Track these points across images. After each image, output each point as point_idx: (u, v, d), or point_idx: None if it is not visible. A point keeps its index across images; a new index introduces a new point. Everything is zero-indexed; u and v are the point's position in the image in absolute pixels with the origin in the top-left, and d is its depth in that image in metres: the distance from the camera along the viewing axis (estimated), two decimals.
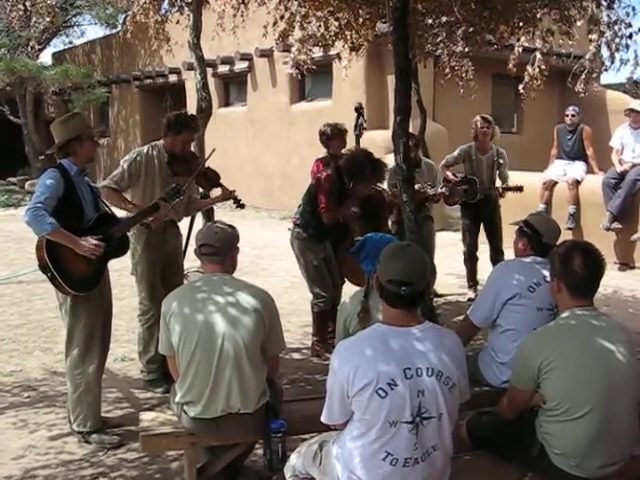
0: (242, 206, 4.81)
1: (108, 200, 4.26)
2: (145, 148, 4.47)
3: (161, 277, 4.54)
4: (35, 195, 3.59)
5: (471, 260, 6.80)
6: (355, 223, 5.34)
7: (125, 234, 4.04)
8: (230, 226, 3.22)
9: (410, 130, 4.57)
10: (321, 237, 5.10)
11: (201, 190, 4.92)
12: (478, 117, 6.69)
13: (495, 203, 6.63)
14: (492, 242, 6.67)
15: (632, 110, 8.18)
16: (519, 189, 6.45)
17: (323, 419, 2.48)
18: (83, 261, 3.68)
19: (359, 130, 5.55)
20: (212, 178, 4.73)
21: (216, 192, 4.91)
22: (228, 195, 4.74)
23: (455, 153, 6.76)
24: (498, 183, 6.69)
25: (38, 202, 3.52)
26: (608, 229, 7.88)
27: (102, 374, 4.00)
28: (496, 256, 6.56)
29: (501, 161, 6.60)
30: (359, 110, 5.54)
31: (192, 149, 4.98)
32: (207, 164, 4.72)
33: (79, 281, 3.70)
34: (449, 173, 6.66)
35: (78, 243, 3.62)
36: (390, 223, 6.24)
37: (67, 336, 3.85)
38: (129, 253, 4.41)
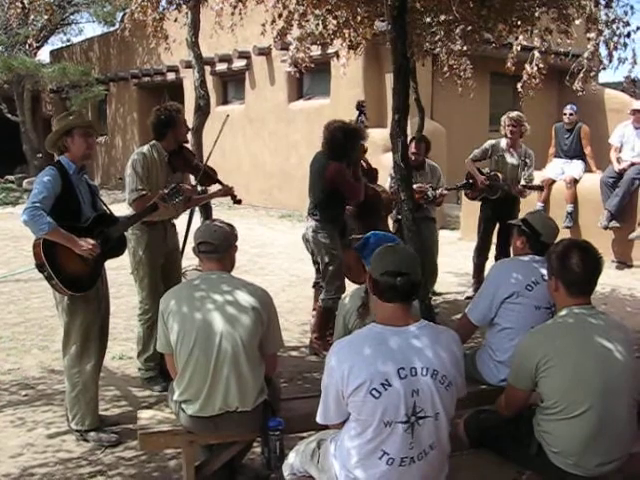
0: (239, 202, 4.83)
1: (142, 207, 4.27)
2: (145, 148, 4.46)
3: (161, 276, 4.55)
4: (32, 194, 3.58)
5: (478, 256, 6.75)
6: (353, 221, 5.36)
7: (123, 234, 4.04)
8: (228, 224, 3.22)
9: (408, 129, 4.57)
10: (334, 228, 5.09)
11: (200, 188, 4.93)
12: (505, 115, 6.61)
13: (515, 205, 6.49)
14: (501, 243, 6.53)
15: (637, 111, 8.15)
16: (540, 188, 6.44)
17: (318, 419, 2.48)
18: (80, 261, 3.67)
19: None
20: (211, 175, 4.75)
21: (213, 188, 4.93)
22: (227, 190, 4.76)
23: (482, 147, 6.70)
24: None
25: (35, 201, 3.52)
26: (606, 228, 7.89)
27: (99, 372, 4.00)
28: (500, 258, 6.51)
29: (528, 161, 6.48)
30: (360, 107, 5.54)
31: (190, 147, 4.99)
32: (204, 161, 4.73)
33: (76, 281, 3.69)
34: (473, 168, 6.60)
35: (76, 242, 3.62)
36: (391, 222, 6.24)
37: (64, 335, 3.85)
38: (129, 253, 4.42)
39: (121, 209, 4.51)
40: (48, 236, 3.56)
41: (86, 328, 3.80)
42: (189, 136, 5.02)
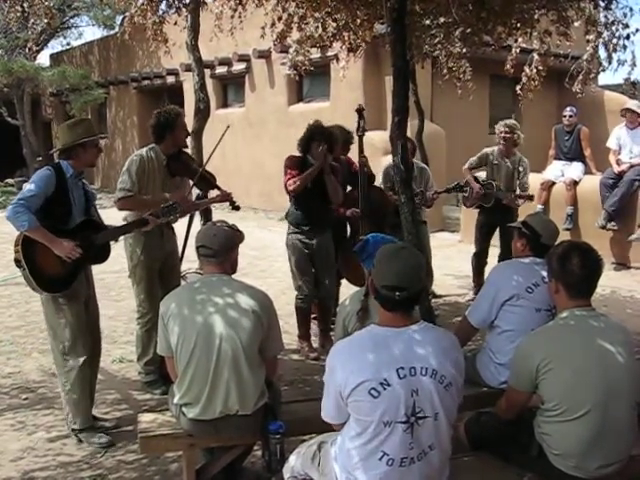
0: (237, 208, 4.84)
1: (128, 208, 4.31)
2: (144, 151, 4.46)
3: (159, 279, 4.55)
4: (22, 192, 3.65)
5: (477, 261, 6.75)
6: (359, 222, 5.37)
7: (107, 243, 4.02)
8: (231, 227, 3.22)
9: (408, 131, 4.57)
10: (305, 228, 5.12)
11: (197, 192, 4.93)
12: (500, 122, 6.62)
13: (512, 210, 6.47)
14: (503, 249, 6.48)
15: (628, 110, 8.18)
16: (530, 198, 6.44)
17: (322, 414, 2.49)
18: (57, 262, 3.70)
19: (362, 131, 5.59)
20: (209, 180, 4.75)
21: (212, 194, 4.93)
22: (225, 196, 4.77)
23: (478, 155, 6.73)
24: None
25: (21, 198, 3.59)
26: (603, 227, 7.89)
27: (91, 374, 3.99)
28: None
29: (520, 169, 6.47)
30: (360, 112, 5.56)
31: (189, 151, 4.99)
32: (205, 166, 4.74)
33: (49, 280, 3.73)
34: (470, 176, 6.64)
35: (55, 243, 3.65)
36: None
37: (51, 337, 3.89)
38: (127, 256, 4.43)
39: (120, 212, 4.51)
40: (28, 233, 3.61)
41: (71, 329, 3.82)
42: (189, 139, 5.02)
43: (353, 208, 5.40)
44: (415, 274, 2.38)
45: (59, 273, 3.73)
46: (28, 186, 3.66)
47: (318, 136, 5.03)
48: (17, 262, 3.70)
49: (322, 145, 5.00)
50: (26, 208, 3.55)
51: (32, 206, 3.58)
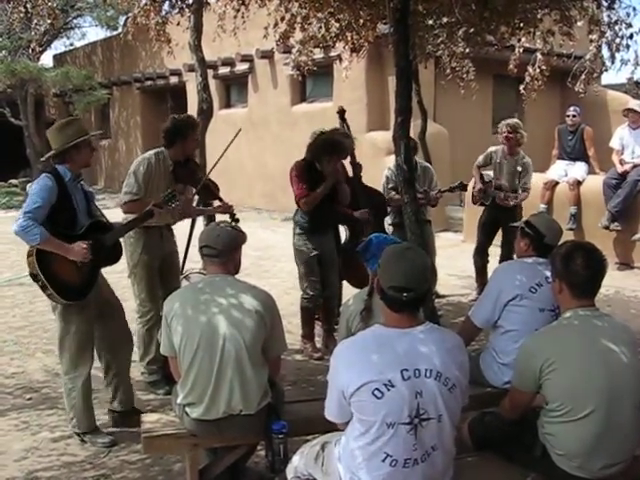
0: (237, 220, 4.85)
1: (132, 211, 4.29)
2: (152, 155, 4.46)
3: (158, 278, 4.56)
4: (26, 204, 3.58)
5: (479, 259, 6.76)
6: (363, 224, 5.36)
7: (118, 241, 4.02)
8: (233, 227, 3.23)
9: (411, 131, 4.57)
10: (312, 230, 5.11)
11: (197, 197, 4.94)
12: (503, 122, 6.63)
13: (516, 209, 6.48)
14: (504, 247, 6.53)
15: (630, 110, 8.17)
16: (516, 198, 6.43)
17: (325, 413, 2.49)
18: (74, 269, 3.68)
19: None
20: (212, 191, 4.76)
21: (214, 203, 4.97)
22: (227, 209, 4.78)
23: (485, 153, 6.77)
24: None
25: (27, 212, 3.54)
26: (607, 228, 7.88)
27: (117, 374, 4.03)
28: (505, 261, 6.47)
29: (519, 169, 6.48)
30: (342, 113, 5.55)
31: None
32: (208, 175, 4.76)
33: (70, 289, 3.71)
34: (476, 174, 6.71)
35: (68, 249, 3.63)
36: (386, 225, 6.23)
37: (59, 341, 3.87)
38: (126, 257, 4.43)
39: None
40: (41, 246, 3.58)
41: (80, 336, 3.81)
42: None
43: (361, 210, 5.38)
44: (422, 274, 2.38)
45: (76, 280, 3.72)
46: (31, 198, 3.60)
47: (330, 151, 4.98)
48: (33, 276, 3.66)
49: (333, 162, 4.99)
50: (34, 221, 3.52)
51: (39, 218, 3.55)
